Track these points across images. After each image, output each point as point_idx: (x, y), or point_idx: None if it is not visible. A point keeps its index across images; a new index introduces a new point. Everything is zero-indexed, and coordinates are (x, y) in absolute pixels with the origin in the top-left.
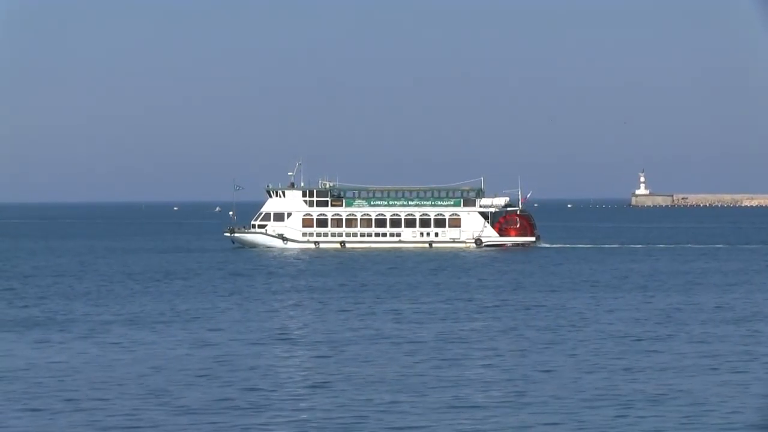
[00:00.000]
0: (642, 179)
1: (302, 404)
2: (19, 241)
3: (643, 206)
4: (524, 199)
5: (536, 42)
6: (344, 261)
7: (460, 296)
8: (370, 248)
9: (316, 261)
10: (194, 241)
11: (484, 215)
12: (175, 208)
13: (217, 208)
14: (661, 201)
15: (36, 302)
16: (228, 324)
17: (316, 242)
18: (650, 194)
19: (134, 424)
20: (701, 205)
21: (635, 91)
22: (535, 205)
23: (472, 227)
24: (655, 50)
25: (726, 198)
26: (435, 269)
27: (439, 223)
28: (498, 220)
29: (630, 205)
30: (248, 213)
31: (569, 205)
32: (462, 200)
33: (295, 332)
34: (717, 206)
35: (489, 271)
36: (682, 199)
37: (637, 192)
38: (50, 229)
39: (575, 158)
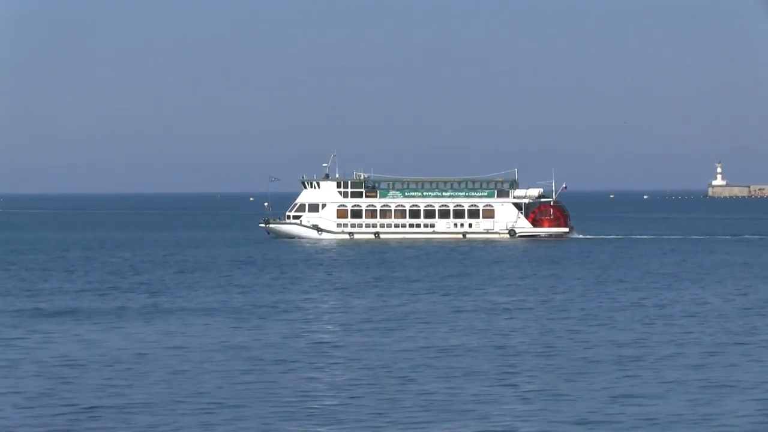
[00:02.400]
0: (719, 170)
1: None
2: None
3: (719, 197)
4: (564, 188)
5: (590, 35)
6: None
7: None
8: (403, 239)
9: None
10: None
11: (517, 206)
12: (251, 199)
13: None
14: (737, 192)
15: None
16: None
17: (350, 233)
18: (727, 185)
19: None
20: None
21: (711, 80)
22: (611, 196)
23: (505, 218)
24: (728, 41)
25: None
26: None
27: (473, 214)
28: (532, 211)
29: (707, 196)
30: (283, 204)
31: (645, 197)
32: (496, 191)
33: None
34: None
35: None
36: (759, 189)
37: (714, 183)
38: (137, 221)
39: (653, 149)
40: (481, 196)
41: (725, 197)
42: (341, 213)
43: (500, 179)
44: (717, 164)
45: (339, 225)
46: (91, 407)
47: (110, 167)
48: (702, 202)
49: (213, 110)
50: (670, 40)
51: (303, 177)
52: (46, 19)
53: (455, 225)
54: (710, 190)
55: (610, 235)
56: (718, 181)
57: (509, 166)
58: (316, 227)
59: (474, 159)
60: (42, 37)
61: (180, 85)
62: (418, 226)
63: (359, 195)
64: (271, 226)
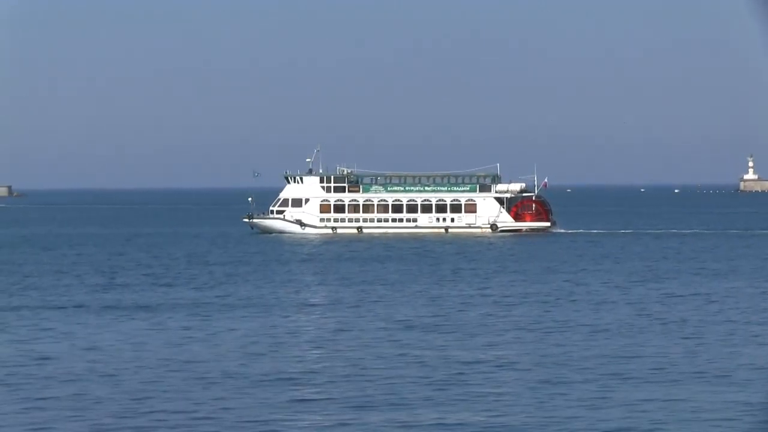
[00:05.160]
0: (750, 164)
1: None
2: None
3: (751, 191)
4: (545, 185)
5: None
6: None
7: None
8: (386, 234)
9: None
10: None
11: (499, 201)
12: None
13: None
14: None
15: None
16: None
17: (333, 228)
18: (759, 179)
19: None
20: None
21: (742, 74)
22: (642, 190)
23: (487, 213)
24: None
25: None
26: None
27: (455, 208)
28: (514, 205)
29: (738, 190)
30: (267, 199)
31: (676, 191)
32: (478, 186)
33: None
34: None
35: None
36: None
37: (746, 177)
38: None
39: (685, 143)
40: (463, 191)
41: (757, 191)
42: (324, 208)
43: (482, 174)
44: (749, 158)
45: (322, 220)
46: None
47: (105, 163)
48: (733, 197)
49: (199, 105)
50: (699, 33)
51: (286, 172)
52: (41, 17)
53: (437, 220)
54: (742, 184)
55: (593, 229)
56: (750, 175)
57: (491, 161)
58: (299, 222)
59: (456, 154)
60: (38, 35)
61: (173, 81)
62: (401, 220)
63: (342, 190)
64: (254, 221)
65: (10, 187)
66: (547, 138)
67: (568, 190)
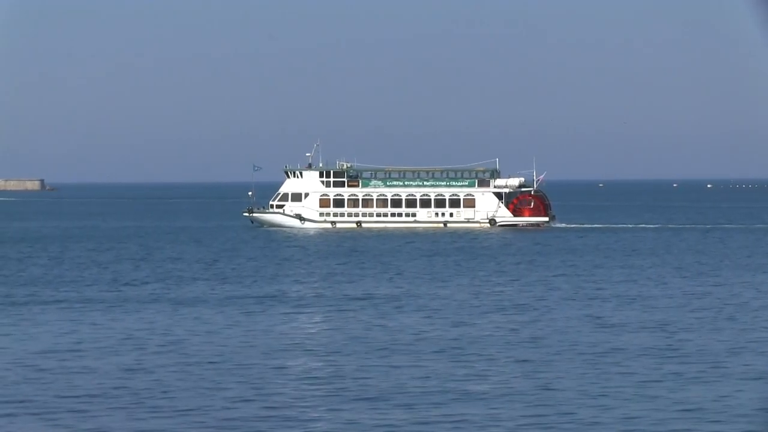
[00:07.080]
0: None
1: None
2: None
3: None
4: (541, 179)
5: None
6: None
7: None
8: (385, 228)
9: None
10: None
11: (498, 195)
12: None
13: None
14: None
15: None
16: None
17: (332, 222)
18: None
19: None
20: None
21: None
22: (675, 185)
23: (486, 207)
24: None
25: None
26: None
27: (454, 203)
28: (512, 200)
29: None
30: (267, 193)
31: (709, 186)
32: (476, 181)
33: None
34: None
35: None
36: None
37: None
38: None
39: (717, 138)
40: (462, 186)
41: None
42: (324, 202)
43: (481, 169)
44: None
45: (321, 214)
46: None
47: (122, 159)
48: (765, 191)
49: (199, 100)
50: (732, 29)
51: (286, 166)
52: (59, 12)
53: (436, 214)
54: None
55: (594, 224)
56: None
57: (490, 156)
58: (298, 216)
59: (455, 149)
60: (54, 29)
61: (175, 78)
62: (400, 215)
63: (341, 184)
64: (254, 215)
65: (42, 181)
66: (552, 135)
67: (600, 185)
